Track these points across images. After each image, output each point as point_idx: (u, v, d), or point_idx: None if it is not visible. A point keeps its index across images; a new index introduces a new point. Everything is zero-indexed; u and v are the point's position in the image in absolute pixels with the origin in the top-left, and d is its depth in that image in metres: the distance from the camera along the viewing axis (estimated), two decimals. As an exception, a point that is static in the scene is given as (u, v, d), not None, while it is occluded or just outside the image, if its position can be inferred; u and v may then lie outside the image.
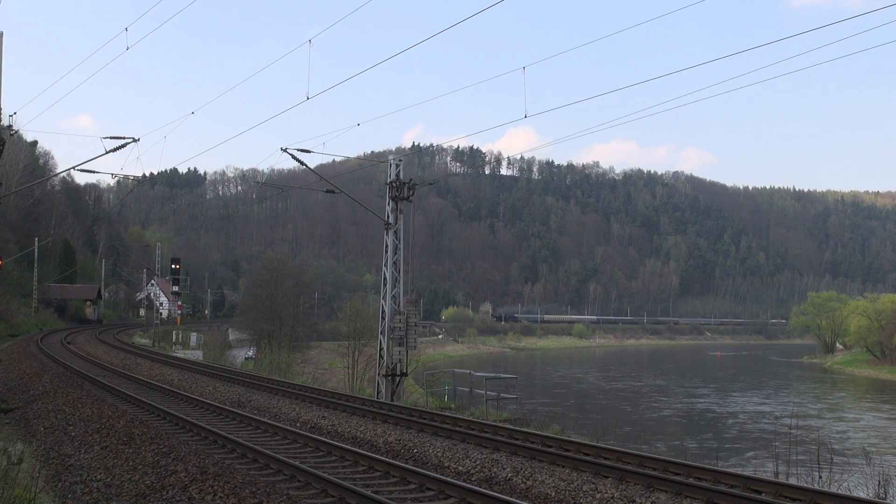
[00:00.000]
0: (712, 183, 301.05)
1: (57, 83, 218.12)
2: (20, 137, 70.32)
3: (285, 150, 24.71)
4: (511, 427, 16.94)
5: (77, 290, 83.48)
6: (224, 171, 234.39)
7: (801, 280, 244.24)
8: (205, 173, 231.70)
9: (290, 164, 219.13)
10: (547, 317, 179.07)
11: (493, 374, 33.15)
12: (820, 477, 15.40)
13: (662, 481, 11.27)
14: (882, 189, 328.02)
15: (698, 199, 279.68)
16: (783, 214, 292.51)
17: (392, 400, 24.65)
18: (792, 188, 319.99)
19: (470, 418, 18.96)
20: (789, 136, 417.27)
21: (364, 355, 47.54)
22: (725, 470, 13.03)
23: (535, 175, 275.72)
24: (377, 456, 13.06)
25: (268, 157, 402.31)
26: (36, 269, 68.45)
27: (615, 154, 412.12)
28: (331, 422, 17.82)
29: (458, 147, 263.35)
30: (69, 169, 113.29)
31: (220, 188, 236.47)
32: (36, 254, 68.36)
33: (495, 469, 12.55)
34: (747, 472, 15.12)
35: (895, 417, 51.13)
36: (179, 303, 72.08)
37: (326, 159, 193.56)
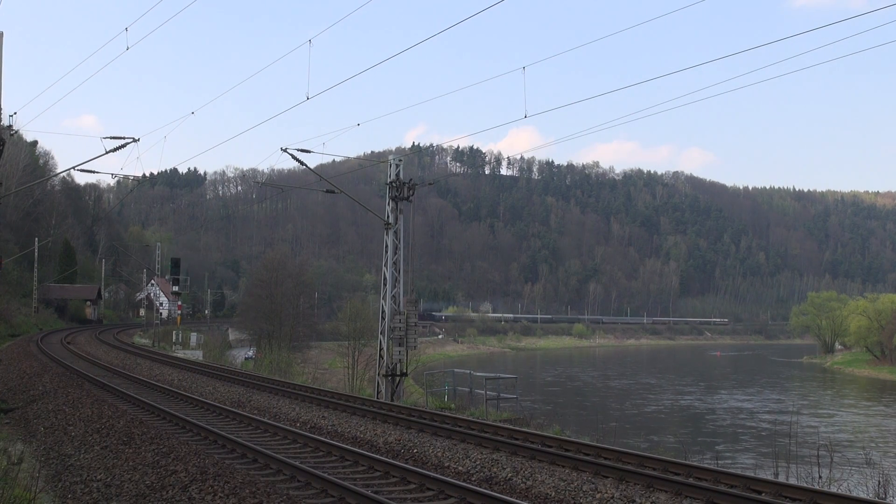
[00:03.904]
0: (712, 183, 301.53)
1: (58, 83, 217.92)
2: (20, 137, 70.27)
3: (285, 151, 24.68)
4: (511, 427, 16.93)
5: (77, 290, 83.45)
6: (224, 171, 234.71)
7: (801, 280, 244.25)
8: (205, 173, 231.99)
9: (290, 164, 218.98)
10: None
11: (492, 374, 33.15)
12: (820, 476, 15.40)
13: (662, 481, 11.27)
14: (882, 189, 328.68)
15: (698, 199, 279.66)
16: (783, 214, 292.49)
17: (392, 400, 24.64)
18: (792, 188, 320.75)
19: (470, 418, 18.95)
20: (789, 136, 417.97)
21: (364, 355, 47.64)
22: (725, 470, 13.04)
23: (535, 175, 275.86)
24: (377, 456, 13.06)
25: (268, 157, 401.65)
26: (36, 269, 68.43)
27: (617, 154, 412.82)
28: (331, 422, 17.82)
29: (459, 147, 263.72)
30: (69, 169, 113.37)
31: (220, 188, 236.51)
32: (36, 254, 68.34)
33: (495, 469, 12.55)
34: (718, 466, 15.12)
35: (871, 414, 51.38)
36: (179, 303, 72.05)
37: (326, 159, 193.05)
